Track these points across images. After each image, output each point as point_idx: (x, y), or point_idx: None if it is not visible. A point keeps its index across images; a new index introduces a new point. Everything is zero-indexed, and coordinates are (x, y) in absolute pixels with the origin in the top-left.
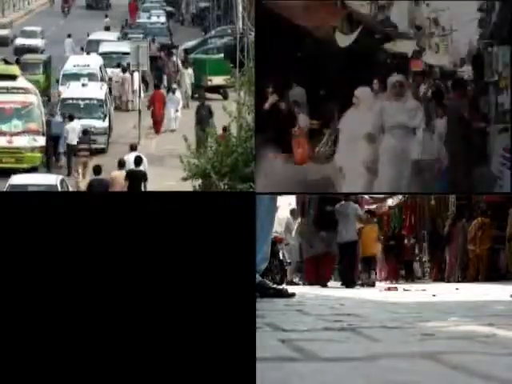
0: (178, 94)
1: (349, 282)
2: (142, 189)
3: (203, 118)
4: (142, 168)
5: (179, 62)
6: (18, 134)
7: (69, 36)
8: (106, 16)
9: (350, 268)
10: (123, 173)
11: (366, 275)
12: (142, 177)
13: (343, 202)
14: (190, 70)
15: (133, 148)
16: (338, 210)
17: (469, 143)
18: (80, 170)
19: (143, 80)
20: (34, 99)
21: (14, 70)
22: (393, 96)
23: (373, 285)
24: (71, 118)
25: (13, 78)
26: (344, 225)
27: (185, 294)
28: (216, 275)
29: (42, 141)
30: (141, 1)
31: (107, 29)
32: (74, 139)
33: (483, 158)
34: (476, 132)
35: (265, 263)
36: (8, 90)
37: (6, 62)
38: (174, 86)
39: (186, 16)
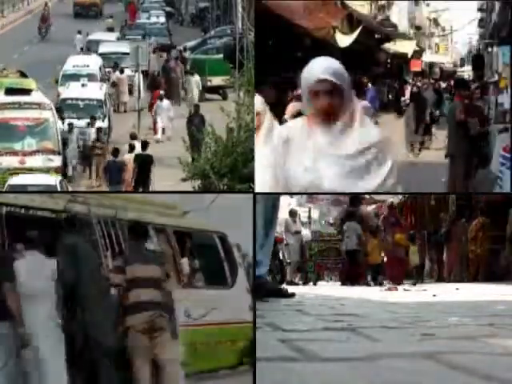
0: (166, 101)
1: (344, 280)
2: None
3: (197, 127)
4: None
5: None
6: (31, 153)
7: (79, 32)
8: (111, 17)
9: (349, 269)
10: (133, 155)
11: (371, 279)
12: (150, 160)
13: (348, 223)
14: (196, 77)
15: (133, 137)
16: (344, 228)
17: (468, 144)
18: (100, 173)
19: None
20: (50, 115)
21: (29, 83)
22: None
23: (370, 285)
24: (93, 119)
25: (27, 92)
26: (348, 238)
27: None
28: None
29: (57, 161)
30: (140, 1)
31: (110, 29)
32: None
33: (483, 159)
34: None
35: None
36: (20, 106)
37: (22, 74)
38: (161, 92)
39: (185, 16)
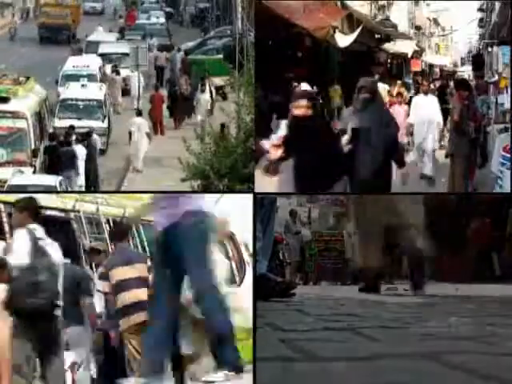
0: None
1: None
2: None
3: None
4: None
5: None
6: (0, 165)
7: (99, 25)
8: (121, 17)
9: None
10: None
11: None
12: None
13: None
14: (207, 96)
15: (139, 113)
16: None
17: (468, 144)
18: None
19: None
20: (24, 125)
21: (16, 90)
22: None
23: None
24: (140, 114)
25: (4, 100)
26: None
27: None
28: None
29: (29, 173)
30: (140, 2)
31: (121, 29)
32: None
33: (483, 158)
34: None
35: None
36: None
37: (27, 79)
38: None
39: (185, 17)
